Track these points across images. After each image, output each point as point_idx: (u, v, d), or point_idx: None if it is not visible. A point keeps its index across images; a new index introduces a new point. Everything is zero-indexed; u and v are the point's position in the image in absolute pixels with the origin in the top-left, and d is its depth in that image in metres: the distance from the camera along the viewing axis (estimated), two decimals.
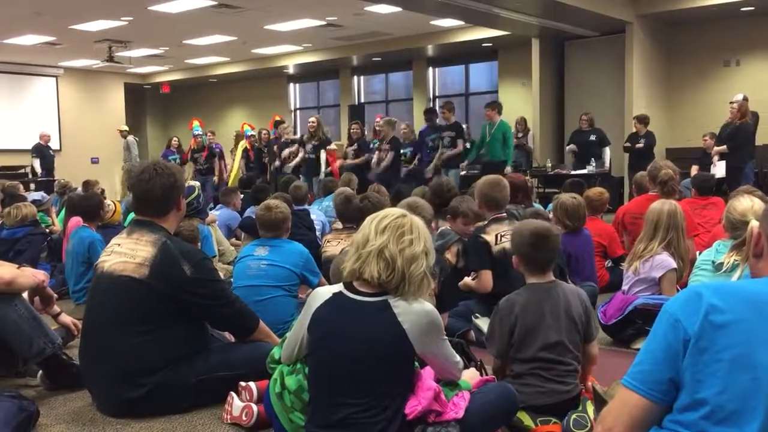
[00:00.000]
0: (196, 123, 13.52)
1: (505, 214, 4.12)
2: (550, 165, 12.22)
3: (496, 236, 3.97)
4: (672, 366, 1.39)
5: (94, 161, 18.27)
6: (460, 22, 13.08)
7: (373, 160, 10.33)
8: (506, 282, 3.95)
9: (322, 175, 10.23)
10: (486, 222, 4.13)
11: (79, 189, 8.78)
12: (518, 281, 3.96)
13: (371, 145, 10.82)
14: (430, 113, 10.61)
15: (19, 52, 15.59)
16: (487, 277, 3.92)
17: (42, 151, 14.77)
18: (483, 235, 3.98)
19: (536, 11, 11.17)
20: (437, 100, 16.60)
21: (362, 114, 14.77)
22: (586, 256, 4.92)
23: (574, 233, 4.95)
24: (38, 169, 14.72)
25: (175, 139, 14.04)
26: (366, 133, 11.39)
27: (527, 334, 2.66)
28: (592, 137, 11.08)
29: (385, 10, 11.89)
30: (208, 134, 13.62)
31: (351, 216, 5.26)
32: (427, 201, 5.46)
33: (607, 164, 11.08)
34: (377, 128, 11.37)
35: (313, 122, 11.13)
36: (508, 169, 9.43)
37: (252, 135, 12.84)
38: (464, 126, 12.07)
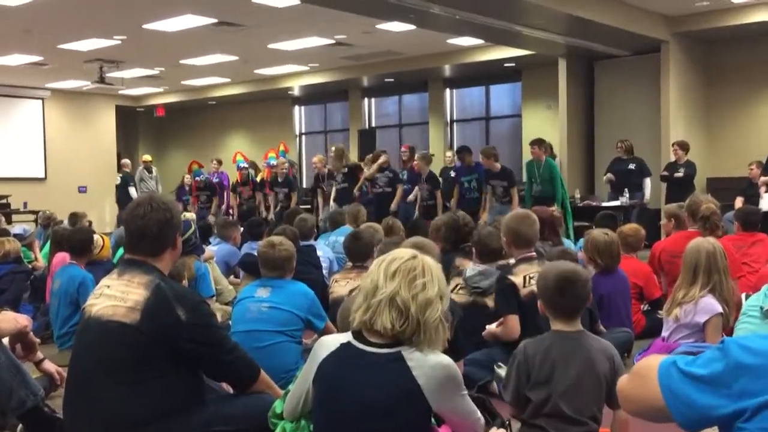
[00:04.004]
0: (240, 157, 13.48)
1: (534, 254, 4.10)
2: (579, 196, 12.17)
3: (525, 278, 3.94)
4: (714, 411, 1.38)
5: (82, 190, 18.36)
6: (480, 41, 13.18)
7: (409, 197, 10.80)
8: (534, 328, 3.92)
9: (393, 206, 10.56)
10: (513, 261, 4.11)
11: (65, 222, 8.84)
12: (547, 327, 3.96)
13: (401, 175, 11.22)
14: (463, 152, 10.79)
15: (2, 73, 15.80)
16: (513, 323, 3.89)
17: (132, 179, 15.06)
18: (510, 277, 3.96)
19: (562, 29, 11.23)
20: (455, 124, 16.69)
21: (373, 139, 14.77)
22: (620, 299, 4.89)
23: (606, 273, 4.93)
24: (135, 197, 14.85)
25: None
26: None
27: (544, 381, 2.65)
28: (631, 166, 10.90)
29: (398, 29, 12.01)
30: (213, 162, 13.71)
31: (360, 253, 5.25)
32: (442, 238, 5.45)
33: (648, 196, 10.92)
34: (404, 158, 11.87)
35: (338, 149, 11.46)
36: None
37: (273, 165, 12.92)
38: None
